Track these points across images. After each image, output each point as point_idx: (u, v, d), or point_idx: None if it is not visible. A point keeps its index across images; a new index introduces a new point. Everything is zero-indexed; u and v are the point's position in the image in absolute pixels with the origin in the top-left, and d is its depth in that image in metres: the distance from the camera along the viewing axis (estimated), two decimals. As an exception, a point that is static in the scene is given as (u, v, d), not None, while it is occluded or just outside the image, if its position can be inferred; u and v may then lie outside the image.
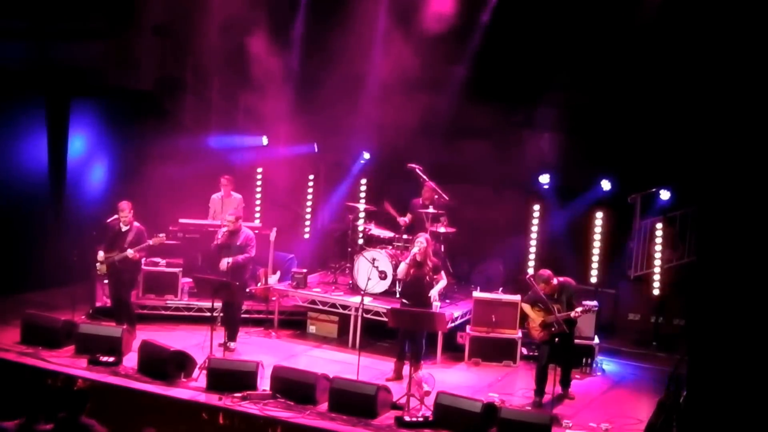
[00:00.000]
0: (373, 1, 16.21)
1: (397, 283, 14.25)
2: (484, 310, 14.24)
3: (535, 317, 12.60)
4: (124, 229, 13.86)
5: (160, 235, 13.94)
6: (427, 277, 13.10)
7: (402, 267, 13.25)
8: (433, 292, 13.14)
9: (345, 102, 16.07)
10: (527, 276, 13.76)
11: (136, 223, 13.92)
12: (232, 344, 13.91)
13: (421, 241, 13.14)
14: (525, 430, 11.43)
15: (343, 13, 15.92)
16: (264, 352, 13.83)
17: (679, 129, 14.46)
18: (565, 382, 12.85)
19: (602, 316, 14.69)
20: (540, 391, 12.61)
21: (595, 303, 13.09)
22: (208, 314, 13.56)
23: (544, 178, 16.15)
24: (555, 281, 12.59)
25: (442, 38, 15.51)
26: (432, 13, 15.70)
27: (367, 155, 17.08)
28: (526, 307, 12.79)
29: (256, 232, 15.40)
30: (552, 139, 16.35)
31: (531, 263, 16.24)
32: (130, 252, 13.71)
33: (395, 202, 15.74)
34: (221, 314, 13.98)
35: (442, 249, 15.15)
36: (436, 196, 15.21)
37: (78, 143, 16.61)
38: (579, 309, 12.53)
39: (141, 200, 14.54)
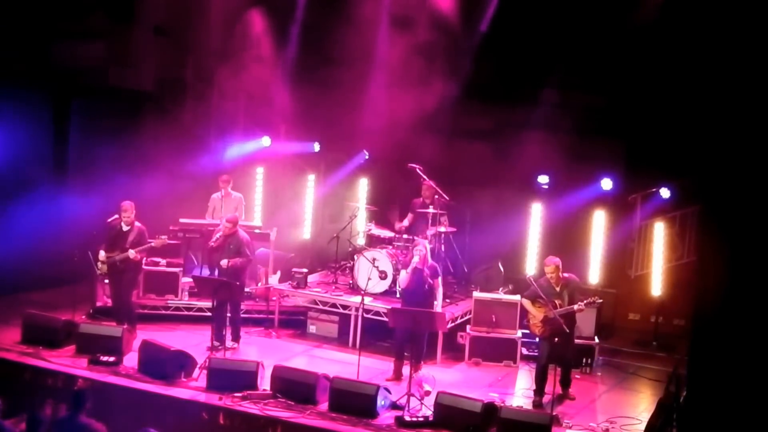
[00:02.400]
0: (374, 3, 16.19)
1: (397, 283, 14.25)
2: (485, 310, 14.24)
3: (536, 313, 12.54)
4: (125, 229, 13.86)
5: (162, 236, 13.95)
6: (426, 287, 13.09)
7: (403, 276, 13.24)
8: (438, 304, 13.12)
9: (345, 102, 16.06)
10: (527, 276, 13.76)
11: (137, 223, 13.92)
12: (233, 344, 13.91)
13: (421, 249, 13.13)
14: (525, 430, 11.43)
15: (343, 13, 15.91)
16: (264, 351, 13.84)
17: (680, 128, 14.47)
18: (566, 382, 12.81)
19: (602, 316, 14.70)
20: (540, 390, 12.60)
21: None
22: (209, 314, 13.55)
23: (544, 178, 16.15)
24: (561, 273, 12.56)
25: (442, 39, 15.51)
26: (432, 14, 15.70)
27: (366, 154, 17.06)
28: (527, 303, 12.69)
29: (257, 231, 15.41)
30: (552, 139, 16.34)
31: (531, 263, 16.24)
32: (131, 252, 13.71)
33: (395, 203, 15.75)
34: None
35: (443, 249, 15.16)
36: (436, 196, 15.22)
37: (79, 143, 16.60)
38: (582, 302, 12.40)
39: (142, 200, 14.53)
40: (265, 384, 12.37)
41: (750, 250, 10.54)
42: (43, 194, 16.19)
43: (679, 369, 12.29)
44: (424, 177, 15.33)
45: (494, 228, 16.03)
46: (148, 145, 16.75)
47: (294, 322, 15.28)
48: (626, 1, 15.10)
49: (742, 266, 10.57)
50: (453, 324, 14.31)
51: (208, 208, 16.03)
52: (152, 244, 13.83)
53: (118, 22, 17.38)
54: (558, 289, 12.52)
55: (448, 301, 14.75)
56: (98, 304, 14.89)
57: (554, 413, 11.98)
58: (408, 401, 11.97)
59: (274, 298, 15.14)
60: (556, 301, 12.43)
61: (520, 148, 16.24)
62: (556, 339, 12.50)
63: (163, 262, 15.22)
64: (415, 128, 15.41)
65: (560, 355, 12.62)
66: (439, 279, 13.30)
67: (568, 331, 12.37)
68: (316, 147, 17.36)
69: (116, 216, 13.93)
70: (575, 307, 12.38)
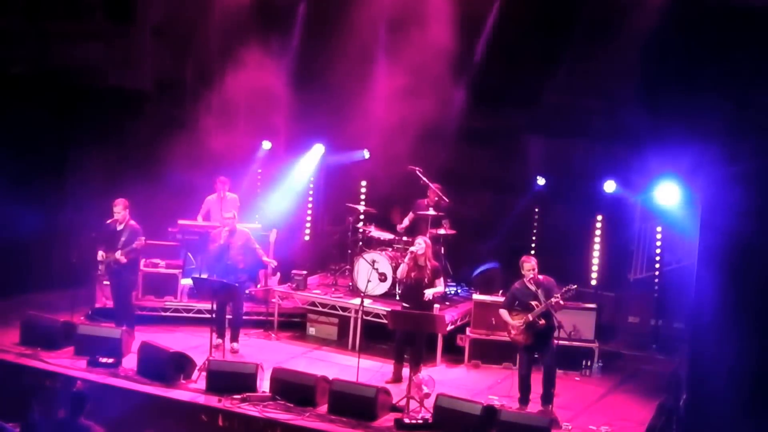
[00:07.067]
0: (376, 5, 16.17)
1: (397, 285, 14.23)
2: (484, 313, 14.23)
3: (517, 321, 12.25)
4: (119, 228, 13.80)
5: (141, 238, 13.81)
6: (426, 280, 13.07)
7: (402, 267, 13.22)
8: (428, 292, 12.99)
9: (346, 104, 16.04)
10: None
11: (131, 222, 13.84)
12: (234, 345, 13.91)
13: (420, 242, 13.12)
14: (524, 432, 11.42)
15: (345, 14, 15.89)
16: (264, 353, 13.82)
17: (680, 129, 14.46)
18: (547, 397, 12.31)
19: (602, 319, 14.69)
20: (524, 399, 12.37)
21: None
22: (208, 316, 13.54)
23: (544, 181, 16.14)
24: (537, 274, 12.26)
25: (443, 41, 15.49)
26: (433, 17, 15.69)
27: (367, 153, 17.03)
28: (504, 313, 12.38)
29: (262, 233, 15.40)
30: (551, 142, 16.34)
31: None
32: (118, 254, 13.64)
33: (395, 205, 15.74)
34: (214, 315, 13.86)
35: (443, 251, 15.16)
36: (437, 198, 15.23)
37: (78, 144, 16.58)
38: (557, 295, 11.99)
39: (141, 201, 14.51)
40: (264, 386, 12.35)
41: (749, 252, 10.56)
42: (43, 195, 16.17)
43: (679, 371, 12.30)
44: (424, 179, 15.32)
45: (494, 230, 16.04)
46: (147, 146, 16.72)
47: (293, 324, 15.28)
48: (626, 3, 15.12)
49: (742, 268, 10.58)
50: (452, 326, 14.30)
51: (202, 209, 16.01)
52: (134, 246, 13.72)
53: (117, 22, 17.36)
54: (534, 289, 12.19)
55: (447, 303, 14.76)
56: (97, 305, 14.88)
57: (554, 415, 11.98)
58: (407, 403, 11.95)
59: (274, 300, 15.14)
60: (533, 303, 12.16)
61: (520, 150, 16.24)
62: (536, 354, 12.32)
63: (162, 263, 15.21)
64: (415, 131, 15.39)
65: (542, 363, 12.31)
66: (441, 279, 13.26)
67: (556, 325, 12.13)
68: (319, 149, 17.29)
69: (115, 218, 13.90)
70: (552, 300, 12.01)
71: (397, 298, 14.12)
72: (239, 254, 13.92)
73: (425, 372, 12.88)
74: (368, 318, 14.23)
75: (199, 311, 14.88)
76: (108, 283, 14.25)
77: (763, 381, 10.53)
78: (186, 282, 15.08)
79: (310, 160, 17.36)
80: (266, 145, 17.56)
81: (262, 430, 11.68)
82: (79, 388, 12.02)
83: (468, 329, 14.37)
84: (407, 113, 15.24)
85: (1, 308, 14.70)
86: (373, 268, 14.39)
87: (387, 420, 11.82)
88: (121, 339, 13.16)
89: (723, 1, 13.65)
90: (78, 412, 9.75)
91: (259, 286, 15.36)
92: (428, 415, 11.78)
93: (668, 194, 15.04)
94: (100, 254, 13.85)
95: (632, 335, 15.83)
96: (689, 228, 15.02)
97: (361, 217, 16.25)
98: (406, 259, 13.14)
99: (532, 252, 15.97)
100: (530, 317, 12.12)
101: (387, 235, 15.32)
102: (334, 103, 16.27)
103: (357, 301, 13.99)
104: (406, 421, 11.70)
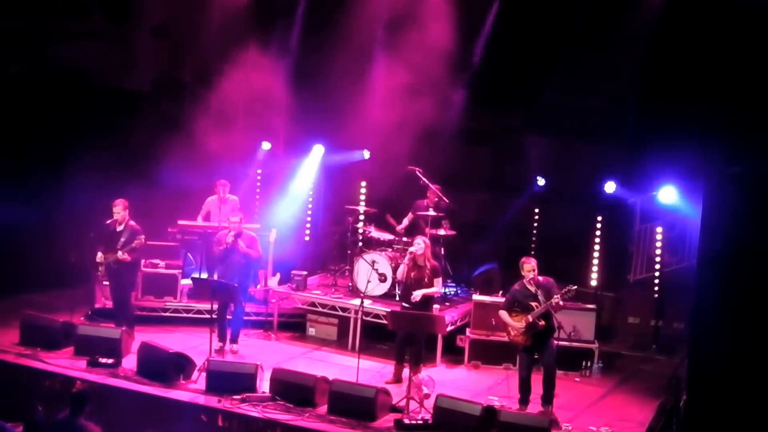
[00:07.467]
0: (374, 7, 16.17)
1: (397, 286, 14.22)
2: (484, 313, 14.21)
3: (517, 323, 12.19)
4: (119, 229, 13.77)
5: (141, 237, 13.80)
6: (426, 280, 13.05)
7: (401, 268, 13.21)
8: (416, 293, 12.93)
9: (345, 104, 16.03)
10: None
11: (131, 222, 13.81)
12: (234, 346, 13.89)
13: (419, 243, 13.10)
14: (524, 433, 11.41)
15: (344, 15, 15.89)
16: (263, 354, 13.80)
17: (678, 130, 14.47)
18: (547, 399, 12.27)
19: (602, 320, 14.68)
20: (524, 400, 12.33)
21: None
22: (208, 316, 13.53)
23: (544, 181, 16.13)
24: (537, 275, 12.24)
25: (443, 42, 15.49)
26: (432, 17, 15.69)
27: (367, 153, 17.01)
28: (504, 314, 12.31)
29: (262, 233, 15.37)
30: (551, 142, 16.33)
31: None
32: (119, 254, 13.63)
33: (394, 205, 15.74)
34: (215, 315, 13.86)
35: (442, 252, 15.15)
36: (436, 199, 15.22)
37: (77, 145, 16.56)
38: (557, 295, 11.95)
39: (140, 201, 14.48)
40: (264, 386, 12.34)
41: (749, 253, 10.54)
42: (42, 195, 16.15)
43: (680, 372, 12.27)
44: (424, 179, 15.31)
45: (494, 231, 16.02)
46: (145, 146, 16.71)
47: (293, 325, 15.27)
48: (625, 2, 15.14)
49: (742, 269, 10.56)
50: (452, 327, 14.28)
51: (202, 211, 15.99)
52: (133, 245, 13.71)
53: (117, 22, 17.34)
54: (533, 290, 12.14)
55: (447, 303, 14.75)
56: (97, 305, 14.86)
57: (554, 416, 11.97)
58: (407, 404, 11.94)
59: (274, 301, 15.12)
60: (533, 304, 12.10)
61: (519, 150, 16.23)
62: (536, 355, 12.28)
63: (162, 263, 15.19)
64: (415, 131, 15.39)
65: (542, 363, 12.26)
66: (440, 280, 13.25)
67: (556, 326, 12.10)
68: (319, 149, 17.26)
69: (114, 218, 13.88)
70: (552, 301, 11.96)
71: (397, 298, 14.11)
72: (244, 258, 13.90)
73: (425, 372, 12.87)
74: (368, 318, 14.22)
75: (199, 311, 14.86)
76: (107, 283, 14.23)
77: (763, 381, 10.50)
78: (186, 282, 15.08)
79: (311, 161, 17.34)
80: (266, 145, 17.55)
81: (261, 430, 11.67)
82: (79, 388, 12.06)
83: (468, 330, 14.35)
84: (407, 113, 15.25)
85: (1, 308, 14.68)
86: (373, 269, 14.39)
87: (387, 420, 11.80)
88: (120, 339, 13.15)
89: (723, 1, 13.65)
90: (78, 412, 9.74)
91: (258, 286, 15.34)
92: (428, 416, 11.76)
93: (668, 195, 15.02)
94: (99, 255, 13.82)
95: (632, 336, 15.82)
96: (689, 229, 15.14)
97: (361, 217, 16.24)
98: (406, 260, 13.12)
99: (532, 253, 15.99)
100: (530, 318, 12.10)
101: (387, 236, 15.31)
102: (333, 104, 16.26)
103: (357, 301, 13.97)
104: (406, 421, 11.68)
